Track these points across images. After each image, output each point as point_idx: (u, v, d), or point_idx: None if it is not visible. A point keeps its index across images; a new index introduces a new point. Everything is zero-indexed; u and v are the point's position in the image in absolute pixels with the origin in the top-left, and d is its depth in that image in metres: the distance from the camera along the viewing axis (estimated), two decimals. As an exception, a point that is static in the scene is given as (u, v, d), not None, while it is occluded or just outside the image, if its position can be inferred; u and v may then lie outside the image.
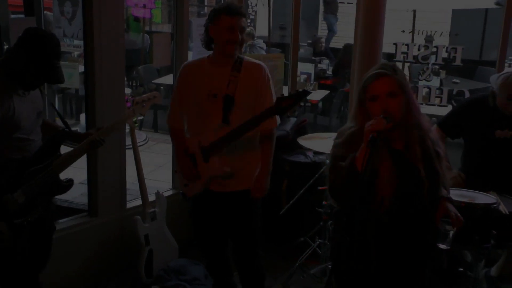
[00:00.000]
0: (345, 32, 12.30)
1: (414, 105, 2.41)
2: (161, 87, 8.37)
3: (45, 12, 5.15)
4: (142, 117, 7.18)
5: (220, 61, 3.07)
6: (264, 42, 7.96)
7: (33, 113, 2.83)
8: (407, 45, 4.69)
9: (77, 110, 7.81)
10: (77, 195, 5.03)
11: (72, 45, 5.84)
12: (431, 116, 5.13)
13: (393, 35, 5.34)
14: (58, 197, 3.02)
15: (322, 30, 13.08)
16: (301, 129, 4.83)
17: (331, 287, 2.59)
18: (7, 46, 3.78)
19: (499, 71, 4.40)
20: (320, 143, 3.87)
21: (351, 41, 5.04)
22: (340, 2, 12.18)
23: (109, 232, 3.92)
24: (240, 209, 3.18)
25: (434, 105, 4.69)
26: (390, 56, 4.90)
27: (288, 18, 5.33)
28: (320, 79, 8.19)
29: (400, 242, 2.40)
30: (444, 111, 4.25)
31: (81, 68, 4.65)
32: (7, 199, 2.69)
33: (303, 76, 7.58)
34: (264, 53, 7.52)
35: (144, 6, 7.83)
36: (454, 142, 3.89)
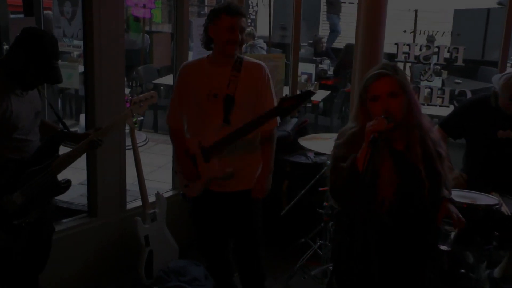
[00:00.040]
0: (346, 32, 12.30)
1: (415, 105, 2.41)
2: (161, 87, 8.38)
3: (46, 11, 5.16)
4: (142, 118, 7.22)
5: (220, 61, 3.08)
6: (264, 42, 7.97)
7: (31, 113, 2.82)
8: (408, 45, 4.69)
9: (76, 110, 7.81)
10: (77, 196, 5.04)
11: (72, 45, 5.85)
12: (433, 116, 5.14)
13: (395, 35, 5.35)
14: (58, 197, 3.02)
15: (323, 30, 13.08)
16: (302, 130, 4.84)
17: (332, 289, 2.59)
18: (6, 47, 3.79)
19: (501, 71, 4.40)
20: (321, 144, 3.87)
21: (352, 41, 5.05)
22: (341, 2, 12.18)
23: (109, 233, 3.92)
24: (240, 209, 3.18)
25: (436, 105, 4.69)
26: (392, 56, 4.90)
27: (289, 18, 5.33)
28: (321, 80, 8.19)
29: (401, 243, 2.40)
30: (446, 111, 4.25)
31: (81, 68, 4.66)
32: (6, 200, 2.69)
33: (304, 77, 7.58)
34: (264, 53, 7.53)
35: (144, 6, 7.82)
36: (456, 143, 3.89)
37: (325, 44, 10.29)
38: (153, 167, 6.38)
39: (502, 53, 4.64)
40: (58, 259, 3.40)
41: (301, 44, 6.67)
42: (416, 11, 6.03)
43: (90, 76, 3.71)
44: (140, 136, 7.22)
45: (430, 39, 8.45)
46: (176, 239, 3.99)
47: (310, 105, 8.01)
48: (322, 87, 8.03)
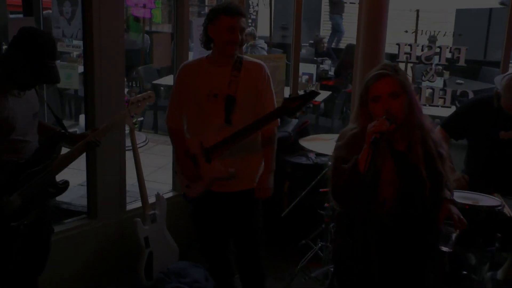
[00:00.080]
0: (347, 32, 12.32)
1: (416, 106, 2.41)
2: (161, 88, 8.37)
3: (46, 11, 5.16)
4: (142, 118, 7.22)
5: (219, 61, 3.08)
6: (265, 42, 7.97)
7: (29, 114, 2.82)
8: (410, 45, 4.69)
9: (76, 111, 7.81)
10: (77, 197, 5.05)
11: (71, 45, 5.85)
12: (434, 117, 5.14)
13: (396, 35, 5.35)
14: (58, 198, 3.02)
15: (324, 30, 13.09)
16: (303, 131, 4.84)
17: (333, 290, 2.59)
18: (6, 47, 3.79)
19: (504, 71, 4.40)
20: (322, 145, 3.87)
21: (353, 41, 5.05)
22: (343, 2, 12.19)
23: (109, 235, 3.93)
24: (241, 209, 3.19)
25: (437, 106, 4.69)
26: (393, 57, 4.90)
27: (290, 18, 5.34)
28: (322, 80, 8.19)
29: (402, 244, 2.40)
30: (448, 112, 4.25)
31: (81, 69, 4.66)
32: (4, 202, 2.69)
33: (305, 77, 7.58)
34: (265, 53, 7.54)
35: (144, 6, 7.83)
36: (458, 144, 3.89)
37: (326, 45, 10.30)
38: (153, 168, 6.38)
39: (504, 53, 4.64)
40: (58, 260, 3.41)
41: (302, 44, 6.67)
42: (417, 11, 6.03)
43: (90, 77, 3.71)
44: (140, 137, 7.21)
45: (432, 39, 8.46)
46: (176, 241, 3.99)
47: (311, 105, 8.00)
48: (323, 87, 8.03)
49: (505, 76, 3.50)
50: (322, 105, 8.34)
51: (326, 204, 3.93)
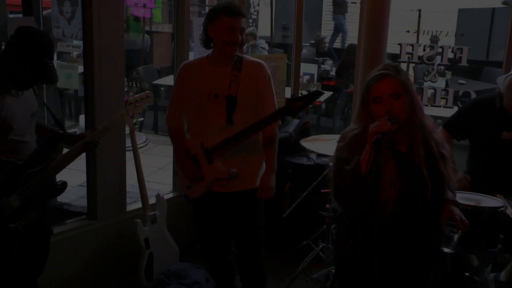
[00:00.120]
0: (348, 32, 12.33)
1: (418, 106, 2.41)
2: (162, 88, 8.38)
3: (46, 11, 5.16)
4: (142, 119, 7.22)
5: (220, 61, 3.08)
6: (266, 42, 7.97)
7: (27, 114, 2.82)
8: (412, 45, 4.69)
9: (76, 111, 7.82)
10: (76, 197, 5.05)
11: (71, 45, 5.85)
12: (436, 117, 5.14)
13: (398, 35, 5.34)
14: (57, 199, 3.03)
15: (326, 30, 13.10)
16: (304, 131, 4.84)
17: (335, 292, 2.59)
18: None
19: (506, 71, 4.39)
20: (323, 145, 3.87)
21: (355, 41, 5.05)
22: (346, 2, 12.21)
23: (109, 236, 3.93)
24: (243, 209, 3.19)
25: (439, 106, 4.69)
26: (395, 57, 4.90)
27: (291, 18, 5.34)
28: (323, 80, 8.19)
29: (404, 245, 2.40)
30: (450, 112, 4.25)
31: (81, 69, 4.66)
32: (3, 203, 2.69)
33: (306, 77, 7.58)
34: (266, 53, 7.54)
35: (144, 6, 7.83)
36: (460, 144, 3.89)
37: (327, 45, 10.30)
38: (153, 169, 6.38)
39: (507, 53, 4.64)
40: (57, 262, 3.41)
41: (303, 44, 6.67)
42: (419, 11, 6.02)
43: (90, 77, 3.72)
44: (140, 137, 7.20)
45: (434, 39, 8.43)
46: (176, 242, 3.99)
47: (312, 106, 8.00)
48: (324, 88, 8.03)
49: (508, 76, 3.50)
50: (323, 106, 8.33)
51: (327, 205, 3.94)
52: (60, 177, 2.90)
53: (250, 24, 9.84)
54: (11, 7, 5.91)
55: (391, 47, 4.84)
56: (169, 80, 7.79)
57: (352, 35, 11.77)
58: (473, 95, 4.56)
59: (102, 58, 3.70)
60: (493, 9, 10.65)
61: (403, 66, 4.61)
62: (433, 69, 4.72)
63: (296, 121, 4.86)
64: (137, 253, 3.77)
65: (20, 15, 4.85)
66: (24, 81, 2.72)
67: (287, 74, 5.07)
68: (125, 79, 4.11)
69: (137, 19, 8.46)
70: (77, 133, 3.23)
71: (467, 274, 3.25)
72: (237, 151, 3.03)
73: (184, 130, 3.24)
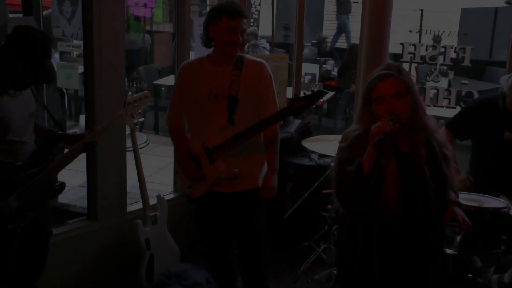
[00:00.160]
0: (352, 32, 12.32)
1: (420, 106, 2.41)
2: (162, 88, 8.37)
3: (48, 11, 5.17)
4: (143, 119, 7.22)
5: (220, 60, 3.08)
6: (267, 42, 7.97)
7: (25, 114, 2.81)
8: (414, 45, 4.69)
9: (76, 111, 7.82)
10: (77, 198, 5.06)
11: (72, 45, 5.85)
12: (439, 118, 5.13)
13: (400, 35, 5.35)
14: (58, 200, 3.02)
15: (327, 30, 13.09)
16: (306, 131, 4.84)
17: (336, 293, 2.59)
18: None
19: (509, 71, 4.39)
20: (325, 146, 3.87)
21: (357, 41, 5.05)
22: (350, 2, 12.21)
23: (109, 237, 3.93)
24: (244, 209, 3.20)
25: (442, 106, 4.69)
26: (397, 57, 4.90)
27: (292, 18, 5.34)
28: (325, 80, 8.19)
29: (406, 246, 2.40)
30: (452, 112, 4.25)
31: (81, 69, 4.66)
32: (1, 204, 2.69)
33: (308, 77, 7.58)
34: (267, 53, 7.54)
35: (145, 5, 7.84)
36: (463, 145, 3.88)
37: (329, 44, 10.30)
38: (154, 169, 6.38)
39: (510, 53, 4.63)
40: (57, 263, 3.41)
41: (305, 44, 6.67)
42: (422, 10, 6.03)
43: (90, 77, 3.72)
44: (141, 138, 7.20)
45: (436, 39, 8.43)
46: (177, 242, 3.99)
47: (313, 106, 7.98)
48: (326, 88, 8.00)
49: (511, 76, 3.50)
50: (325, 106, 8.33)
51: (329, 206, 3.94)
52: (60, 177, 2.90)
53: (251, 23, 9.84)
54: (11, 6, 5.91)
55: (393, 47, 4.84)
56: (169, 80, 7.79)
57: (356, 35, 11.78)
58: (476, 95, 4.55)
59: (103, 58, 3.70)
60: (496, 9, 10.64)
61: (405, 66, 4.62)
62: (435, 69, 4.72)
63: (297, 121, 4.86)
64: (138, 254, 3.77)
65: (20, 15, 4.86)
66: (21, 80, 2.72)
67: (288, 74, 5.07)
68: (126, 79, 4.12)
69: (137, 18, 8.46)
70: (78, 133, 3.23)
71: (470, 275, 3.24)
72: (239, 151, 3.03)
73: (185, 130, 3.24)
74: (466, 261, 3.23)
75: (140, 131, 7.70)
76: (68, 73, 5.02)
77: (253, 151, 3.14)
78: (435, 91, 4.65)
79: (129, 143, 3.93)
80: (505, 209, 3.01)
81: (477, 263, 3.25)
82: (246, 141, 2.97)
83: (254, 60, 3.17)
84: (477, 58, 5.55)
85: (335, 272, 3.70)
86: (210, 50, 3.16)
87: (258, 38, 8.29)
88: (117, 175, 3.93)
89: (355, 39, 10.41)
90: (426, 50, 4.67)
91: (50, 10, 5.11)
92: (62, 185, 2.90)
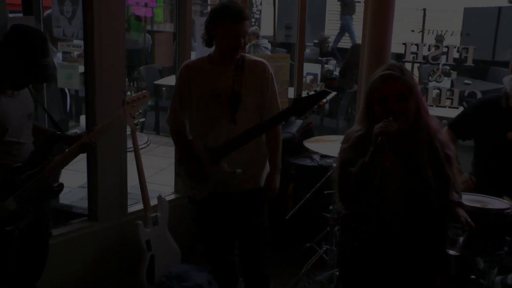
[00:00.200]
0: (356, 32, 12.31)
1: (422, 107, 2.41)
2: (163, 88, 8.38)
3: (49, 11, 5.18)
4: (143, 119, 7.22)
5: (222, 61, 3.08)
6: (269, 42, 7.97)
7: (23, 115, 2.80)
8: (416, 45, 4.69)
9: (77, 111, 7.82)
10: (77, 199, 5.06)
11: (72, 45, 5.86)
12: (441, 118, 5.13)
13: (403, 35, 5.34)
14: (59, 201, 3.02)
15: (329, 30, 13.09)
16: (307, 132, 4.84)
17: (338, 295, 2.59)
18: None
19: (513, 71, 4.39)
20: (327, 146, 3.87)
21: (359, 41, 5.04)
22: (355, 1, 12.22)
23: (110, 237, 3.93)
24: (247, 209, 3.20)
25: (444, 107, 4.69)
26: (399, 56, 4.90)
27: (294, 17, 5.34)
28: (327, 80, 8.18)
29: (409, 247, 2.39)
30: (455, 113, 4.25)
31: (81, 69, 4.67)
32: None
33: (309, 77, 7.58)
34: (269, 53, 7.53)
35: (146, 5, 7.85)
36: (466, 145, 3.88)
37: (331, 44, 10.29)
38: (154, 170, 6.39)
39: (513, 53, 4.63)
40: (57, 264, 3.41)
41: (306, 44, 6.68)
42: (424, 10, 6.03)
43: (91, 77, 3.72)
44: (142, 138, 7.23)
45: (439, 39, 8.43)
46: (178, 243, 4.00)
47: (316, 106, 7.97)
48: (328, 88, 7.99)
49: (514, 76, 3.50)
50: (326, 106, 8.32)
51: (330, 207, 3.93)
52: (60, 178, 2.89)
53: (253, 23, 9.84)
54: (11, 6, 5.92)
55: (396, 47, 4.83)
56: (170, 80, 7.79)
57: (359, 35, 11.76)
58: (479, 95, 4.55)
59: (103, 58, 3.70)
60: (500, 8, 10.63)
61: (408, 66, 4.62)
62: (438, 69, 4.72)
63: (299, 122, 4.86)
64: (139, 255, 3.78)
65: (21, 15, 4.86)
66: (18, 80, 2.71)
67: (290, 74, 5.07)
68: (127, 79, 4.12)
69: (138, 18, 8.46)
70: (78, 133, 3.23)
71: (473, 277, 3.25)
72: (241, 151, 3.02)
73: (186, 130, 3.24)
74: (469, 262, 3.24)
75: (141, 131, 7.71)
76: (68, 73, 5.03)
77: (255, 151, 3.14)
78: (437, 91, 4.65)
79: (129, 143, 3.93)
80: (509, 210, 3.01)
81: (480, 265, 3.25)
82: (249, 141, 2.98)
83: (256, 60, 3.17)
84: (480, 58, 5.55)
85: (337, 273, 3.70)
86: (211, 49, 3.16)
87: (260, 38, 8.29)
88: (117, 176, 3.93)
89: (359, 39, 10.41)
90: (429, 50, 4.67)
91: (50, 10, 5.13)
92: (61, 186, 2.90)
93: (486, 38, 10.54)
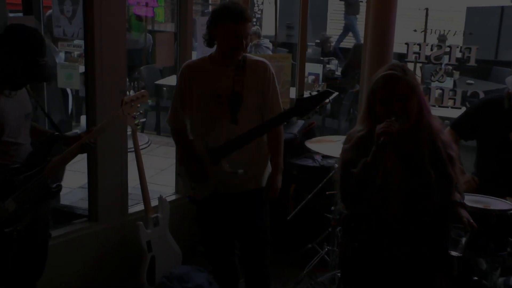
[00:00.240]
0: (360, 32, 12.30)
1: (425, 107, 2.41)
2: (164, 88, 8.38)
3: (49, 11, 5.19)
4: (144, 119, 7.22)
5: (223, 61, 3.08)
6: (270, 41, 7.96)
7: (21, 115, 2.80)
8: (419, 44, 4.69)
9: (77, 111, 7.83)
10: (77, 200, 5.06)
11: (72, 45, 5.87)
12: (444, 118, 5.13)
13: (405, 35, 5.34)
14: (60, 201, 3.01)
15: (331, 29, 13.09)
16: (309, 132, 4.84)
17: (340, 296, 2.59)
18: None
19: (515, 71, 4.39)
20: (328, 147, 3.87)
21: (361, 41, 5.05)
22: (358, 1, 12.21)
23: (110, 238, 3.93)
24: (248, 209, 3.20)
25: (447, 107, 4.69)
26: (402, 56, 4.90)
27: (296, 17, 5.34)
28: (328, 80, 8.18)
29: (410, 248, 2.40)
30: (458, 113, 4.25)
31: (82, 69, 4.68)
32: None
33: (311, 77, 7.57)
34: (270, 53, 7.53)
35: (147, 5, 7.86)
36: (468, 146, 3.88)
37: (332, 44, 10.29)
38: (155, 170, 6.39)
39: (516, 52, 4.63)
40: (57, 265, 3.41)
41: (308, 43, 6.68)
42: (427, 9, 6.02)
43: (91, 77, 3.72)
44: (142, 138, 7.22)
45: (442, 39, 8.43)
46: (179, 244, 4.00)
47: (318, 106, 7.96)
48: (330, 88, 7.99)
49: (517, 76, 3.50)
50: (328, 106, 8.31)
51: (332, 207, 3.93)
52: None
53: (254, 23, 9.84)
54: (11, 6, 5.93)
55: (398, 47, 4.83)
56: (171, 80, 7.79)
57: (363, 35, 11.72)
58: (482, 96, 4.55)
59: (104, 58, 3.70)
60: (502, 8, 10.63)
61: (410, 66, 4.61)
62: (440, 69, 4.72)
63: (300, 122, 4.86)
64: (139, 256, 3.78)
65: (21, 14, 4.87)
66: (16, 80, 2.70)
67: (291, 74, 5.07)
68: (127, 79, 4.12)
69: (139, 18, 8.47)
70: (78, 133, 3.23)
71: (475, 278, 3.24)
72: (243, 151, 3.03)
73: (187, 130, 3.24)
74: (471, 263, 3.24)
75: (142, 131, 7.70)
76: (68, 73, 5.03)
77: (257, 152, 3.15)
78: (440, 91, 4.65)
79: (130, 143, 3.93)
80: (511, 211, 3.00)
81: (482, 266, 3.25)
82: (251, 141, 2.98)
83: (257, 59, 3.17)
84: (483, 57, 5.54)
85: (339, 274, 3.70)
86: (212, 49, 3.16)
87: (261, 38, 8.29)
88: (118, 176, 3.93)
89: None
90: (431, 49, 4.67)
91: (51, 11, 5.13)
92: (59, 187, 2.89)
93: (489, 38, 10.54)
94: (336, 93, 2.88)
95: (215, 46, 3.12)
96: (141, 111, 3.31)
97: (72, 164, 2.90)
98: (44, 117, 3.94)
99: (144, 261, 3.77)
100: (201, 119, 3.14)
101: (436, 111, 4.09)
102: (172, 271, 3.86)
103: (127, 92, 4.22)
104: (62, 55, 5.87)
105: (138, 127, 3.71)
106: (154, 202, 3.95)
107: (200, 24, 4.57)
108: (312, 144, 4.01)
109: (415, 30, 5.79)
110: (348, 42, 12.29)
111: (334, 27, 13.16)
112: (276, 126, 3.02)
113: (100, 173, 3.82)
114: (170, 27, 10.34)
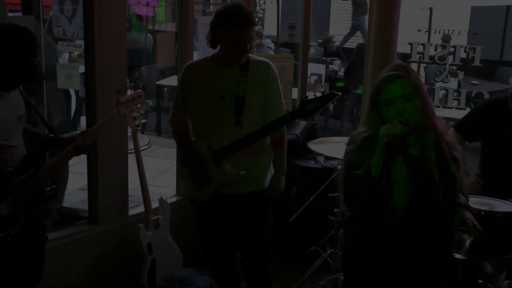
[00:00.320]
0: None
1: (429, 108, 2.41)
2: (165, 89, 8.39)
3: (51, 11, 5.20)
4: (145, 120, 7.23)
5: (226, 62, 3.08)
6: (272, 41, 7.97)
7: (13, 117, 2.76)
8: (423, 44, 4.69)
9: (77, 112, 7.82)
10: (77, 201, 5.06)
11: (72, 45, 5.88)
12: (448, 119, 5.13)
13: (409, 34, 5.35)
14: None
15: (334, 29, 13.09)
16: (312, 133, 4.84)
17: (343, 299, 2.59)
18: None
19: (520, 72, 4.39)
20: (331, 148, 3.87)
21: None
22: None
23: (110, 241, 3.94)
24: (251, 211, 3.20)
25: (451, 107, 4.69)
26: (405, 56, 4.90)
27: (298, 17, 5.34)
28: (331, 81, 8.18)
29: (414, 250, 2.39)
30: (462, 114, 4.25)
31: (82, 69, 4.68)
32: None
33: (314, 78, 7.57)
34: (272, 53, 7.54)
35: (147, 4, 7.86)
36: (472, 147, 3.87)
37: (335, 44, 10.28)
38: (156, 172, 6.39)
39: (521, 53, 4.63)
40: (57, 268, 3.42)
41: (311, 44, 6.68)
42: (431, 9, 6.03)
43: (91, 77, 3.73)
44: (143, 139, 7.24)
45: (446, 38, 8.43)
46: (180, 247, 4.00)
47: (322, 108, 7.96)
48: (332, 88, 8.01)
49: (522, 77, 3.49)
50: (331, 107, 8.31)
51: (335, 209, 3.93)
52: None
53: (256, 23, 9.84)
54: (11, 5, 5.94)
55: (402, 47, 4.83)
56: (172, 80, 7.80)
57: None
58: (487, 96, 4.54)
59: (104, 58, 3.71)
60: (508, 7, 10.63)
61: (414, 66, 4.62)
62: (445, 69, 4.72)
63: (303, 123, 4.86)
64: (140, 259, 3.78)
65: (20, 14, 4.88)
66: (7, 80, 2.67)
67: (294, 74, 5.07)
68: (128, 80, 4.13)
69: (139, 17, 8.47)
70: (78, 133, 3.21)
71: (480, 281, 3.24)
72: (245, 152, 3.03)
73: (188, 132, 3.25)
74: (476, 266, 3.23)
75: (142, 132, 7.71)
76: (68, 73, 5.04)
77: (260, 153, 3.15)
78: (444, 91, 4.65)
79: (130, 145, 3.94)
80: (517, 213, 3.00)
81: (487, 269, 3.25)
82: (255, 143, 2.98)
83: (260, 60, 3.17)
84: (488, 58, 5.54)
85: (342, 277, 3.70)
86: (213, 50, 3.16)
87: (263, 38, 8.30)
88: (118, 178, 3.94)
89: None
90: (435, 49, 4.67)
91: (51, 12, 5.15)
92: (54, 190, 2.86)
93: (493, 38, 10.55)
94: (339, 94, 2.88)
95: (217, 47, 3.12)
96: (141, 112, 3.31)
97: (72, 166, 2.89)
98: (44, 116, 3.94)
99: (144, 264, 3.77)
100: (204, 121, 3.13)
101: (441, 112, 4.09)
102: (173, 273, 3.86)
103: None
104: (66, 55, 5.88)
105: (139, 128, 3.72)
106: (154, 204, 3.95)
107: (201, 24, 4.57)
108: (315, 145, 4.01)
109: (419, 30, 5.80)
110: (351, 42, 12.30)
111: (337, 27, 13.17)
112: (280, 127, 3.02)
113: (100, 175, 3.83)
114: (171, 27, 10.35)
